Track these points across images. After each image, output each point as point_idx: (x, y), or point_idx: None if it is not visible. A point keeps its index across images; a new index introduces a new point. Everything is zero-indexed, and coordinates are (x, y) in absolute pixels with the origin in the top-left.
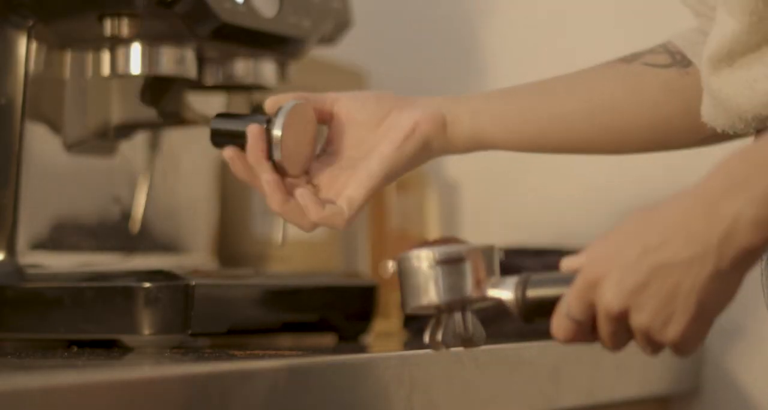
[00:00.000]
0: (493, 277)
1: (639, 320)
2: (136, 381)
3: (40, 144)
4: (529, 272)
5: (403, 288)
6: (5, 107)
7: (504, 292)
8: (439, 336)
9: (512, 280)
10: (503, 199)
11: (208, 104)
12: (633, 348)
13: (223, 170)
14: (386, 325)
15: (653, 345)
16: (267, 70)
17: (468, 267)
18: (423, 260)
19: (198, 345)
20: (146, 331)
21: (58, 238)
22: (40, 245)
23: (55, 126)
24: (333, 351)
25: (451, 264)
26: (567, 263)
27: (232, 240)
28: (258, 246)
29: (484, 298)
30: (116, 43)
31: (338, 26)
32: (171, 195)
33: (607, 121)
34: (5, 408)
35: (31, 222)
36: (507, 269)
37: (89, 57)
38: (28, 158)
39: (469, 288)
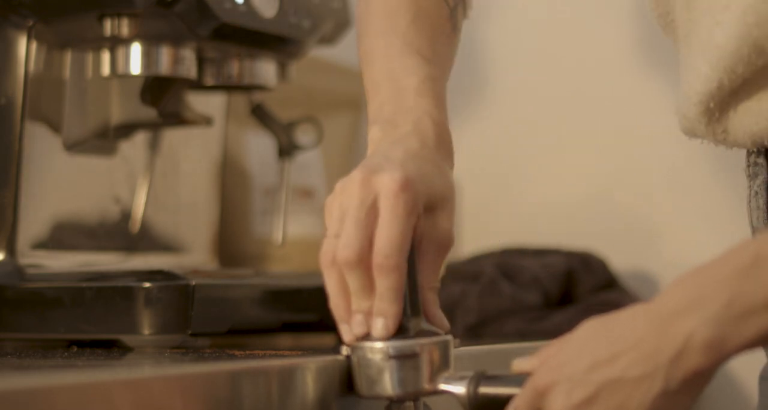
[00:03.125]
0: (447, 371)
1: None
2: (136, 381)
3: (40, 144)
4: (482, 370)
5: (356, 375)
6: (5, 107)
7: (456, 387)
8: None
9: (465, 376)
10: (503, 199)
11: (208, 104)
12: None
13: (223, 170)
14: None
15: None
16: (267, 70)
17: (422, 362)
18: (377, 353)
19: (198, 345)
20: (146, 331)
21: (58, 238)
22: (40, 245)
23: (55, 126)
24: (333, 351)
25: (404, 359)
26: (519, 365)
27: (232, 240)
28: (258, 246)
29: (436, 391)
30: (116, 43)
31: (338, 26)
32: (171, 195)
33: None
34: (5, 408)
35: (31, 222)
36: (507, 269)
37: (89, 57)
38: (28, 158)
39: (422, 382)
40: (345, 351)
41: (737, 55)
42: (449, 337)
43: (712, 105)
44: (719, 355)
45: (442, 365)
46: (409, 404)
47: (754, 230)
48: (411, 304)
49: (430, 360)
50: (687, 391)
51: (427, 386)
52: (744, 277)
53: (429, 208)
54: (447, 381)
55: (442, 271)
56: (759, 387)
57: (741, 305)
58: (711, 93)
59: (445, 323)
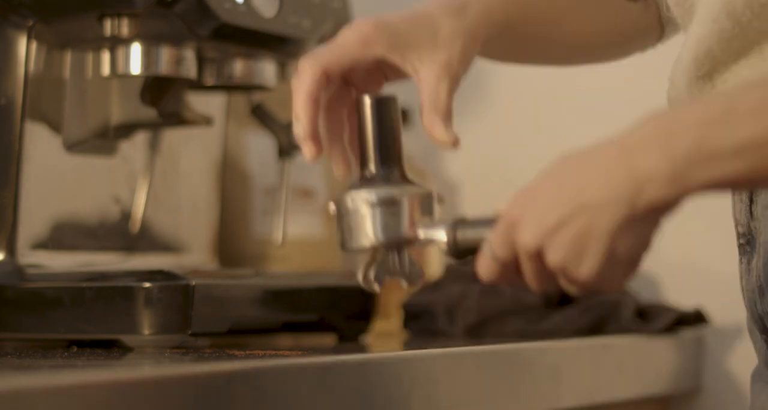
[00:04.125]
0: (427, 219)
1: (553, 258)
2: (136, 381)
3: (40, 144)
4: (461, 216)
5: (341, 228)
6: (5, 107)
7: (437, 233)
8: (372, 275)
9: (445, 222)
10: (503, 199)
11: (208, 104)
12: (633, 348)
13: (223, 170)
14: (386, 325)
15: (573, 284)
16: (267, 70)
17: (404, 209)
18: (360, 201)
19: (198, 345)
20: (146, 331)
21: (58, 238)
22: (40, 245)
23: (55, 126)
24: (333, 351)
25: (387, 206)
26: (498, 207)
27: (232, 240)
28: (258, 246)
29: (417, 239)
30: (116, 43)
31: (338, 26)
32: (171, 195)
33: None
34: (5, 408)
35: (31, 222)
36: None
37: (89, 57)
38: (28, 158)
39: (404, 229)
40: (331, 207)
41: (717, 26)
42: (432, 190)
43: (700, 72)
44: (681, 190)
45: (423, 214)
46: (393, 255)
47: (737, 222)
48: (380, 150)
49: (411, 208)
50: (650, 220)
51: (408, 234)
52: (714, 123)
53: (405, 48)
54: (427, 228)
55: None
56: (750, 388)
57: (708, 148)
58: (699, 58)
59: (447, 137)
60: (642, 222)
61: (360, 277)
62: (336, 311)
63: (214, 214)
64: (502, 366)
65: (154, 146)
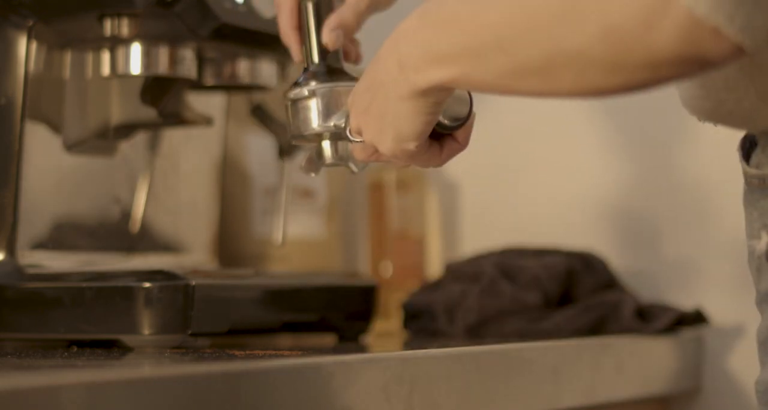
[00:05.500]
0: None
1: (366, 137)
2: (136, 381)
3: (40, 144)
4: None
5: (288, 120)
6: (5, 107)
7: (340, 120)
8: (312, 160)
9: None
10: (503, 199)
11: (208, 104)
12: (633, 348)
13: (223, 170)
14: (386, 325)
15: (389, 158)
16: (267, 70)
17: (336, 100)
18: (300, 94)
19: (198, 345)
20: (146, 331)
21: (58, 238)
22: (40, 245)
23: (55, 126)
24: (333, 351)
25: (321, 98)
26: None
27: (232, 240)
28: (258, 246)
29: (328, 126)
30: (116, 43)
31: None
32: (171, 195)
33: None
34: (5, 408)
35: (31, 222)
36: (507, 269)
37: (89, 57)
38: (28, 158)
39: (321, 121)
40: (286, 101)
41: None
42: (343, 82)
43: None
44: (427, 78)
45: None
46: (326, 143)
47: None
48: (320, 48)
49: (323, 103)
50: (419, 100)
51: (317, 127)
52: (441, 28)
53: None
54: (338, 119)
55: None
56: (757, 398)
57: (432, 50)
58: None
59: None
60: (412, 102)
61: (301, 164)
62: (336, 311)
63: (214, 214)
64: (502, 366)
65: (154, 146)
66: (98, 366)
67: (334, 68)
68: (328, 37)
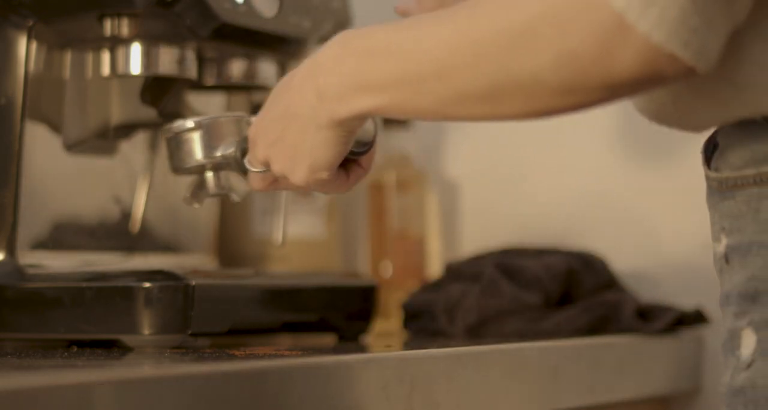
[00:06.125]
0: (227, 141)
1: (276, 168)
2: (136, 381)
3: (40, 144)
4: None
5: (169, 153)
6: (5, 107)
7: (228, 150)
8: (194, 193)
9: (235, 141)
10: (503, 199)
11: (208, 103)
12: (633, 348)
13: None
14: (386, 325)
15: (299, 188)
16: (267, 70)
17: (215, 132)
18: (181, 128)
19: (198, 345)
20: (146, 331)
21: (58, 238)
22: (40, 245)
23: (55, 126)
24: (333, 351)
25: (202, 130)
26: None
27: (232, 240)
28: (258, 246)
29: (214, 157)
30: (116, 43)
31: (338, 26)
32: (171, 195)
33: None
34: (5, 408)
35: (31, 222)
36: (507, 269)
37: (89, 57)
38: (28, 158)
39: (215, 151)
40: (164, 134)
41: None
42: (243, 114)
43: None
44: (349, 110)
45: (235, 136)
46: (210, 174)
47: None
48: None
49: (222, 131)
50: (335, 129)
51: (201, 158)
52: (371, 56)
53: None
54: (226, 148)
55: None
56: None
57: (361, 80)
58: None
59: None
60: (328, 133)
61: (185, 196)
62: (336, 311)
63: (214, 214)
64: (502, 366)
65: (154, 146)
66: (98, 366)
67: None
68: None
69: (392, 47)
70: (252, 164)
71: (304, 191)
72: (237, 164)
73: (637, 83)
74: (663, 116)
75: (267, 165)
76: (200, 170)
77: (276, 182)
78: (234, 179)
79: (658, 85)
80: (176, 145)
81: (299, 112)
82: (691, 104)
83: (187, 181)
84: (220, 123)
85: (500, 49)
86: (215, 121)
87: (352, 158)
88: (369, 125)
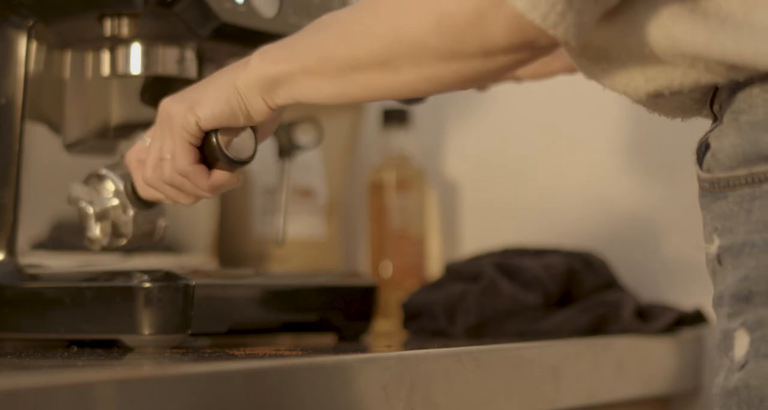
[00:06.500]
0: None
1: (155, 147)
2: (136, 381)
3: (40, 144)
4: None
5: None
6: (5, 106)
7: (117, 184)
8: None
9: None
10: (503, 199)
11: None
12: (633, 348)
13: None
14: (386, 325)
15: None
16: None
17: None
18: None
19: (198, 345)
20: (146, 331)
21: (58, 238)
22: (40, 245)
23: (55, 126)
24: (333, 351)
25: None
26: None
27: (232, 240)
28: (258, 246)
29: (104, 210)
30: (116, 43)
31: None
32: None
33: None
34: (5, 408)
35: (31, 222)
36: (507, 269)
37: (89, 57)
38: (28, 158)
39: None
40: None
41: None
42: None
43: None
44: (253, 73)
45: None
46: (106, 222)
47: None
48: None
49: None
50: (235, 88)
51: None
52: (269, 51)
53: None
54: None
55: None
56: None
57: (264, 58)
58: None
59: None
60: (230, 90)
61: (85, 240)
62: (336, 311)
63: (214, 214)
64: (502, 366)
65: None
66: (98, 366)
67: None
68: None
69: (294, 38)
70: (138, 184)
71: (189, 202)
72: (129, 196)
73: (512, 51)
74: (589, 70)
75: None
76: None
77: (162, 186)
78: (123, 224)
79: (539, 54)
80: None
81: (175, 113)
82: (615, 58)
83: None
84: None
85: (389, 11)
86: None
87: (228, 168)
88: (250, 142)
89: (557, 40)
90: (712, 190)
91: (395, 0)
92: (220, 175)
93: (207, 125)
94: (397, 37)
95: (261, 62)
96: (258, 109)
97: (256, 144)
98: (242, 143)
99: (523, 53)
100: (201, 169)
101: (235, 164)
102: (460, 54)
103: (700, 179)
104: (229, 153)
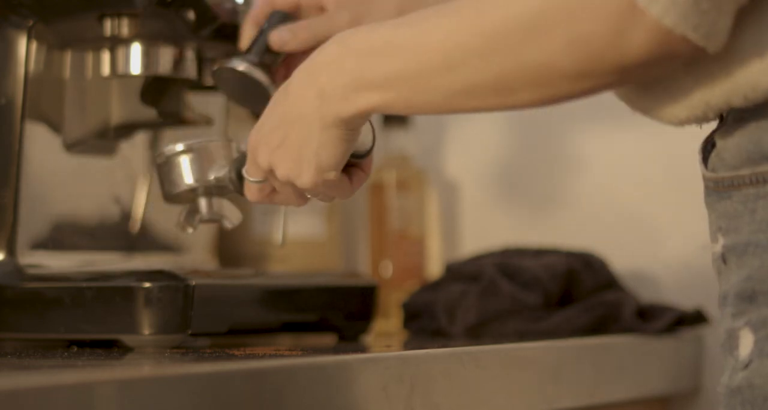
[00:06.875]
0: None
1: (281, 173)
2: (136, 381)
3: (40, 144)
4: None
5: (159, 179)
6: (5, 106)
7: (221, 173)
8: (186, 218)
9: (230, 164)
10: (503, 199)
11: (208, 104)
12: (633, 348)
13: None
14: (386, 325)
15: (300, 196)
16: None
17: (204, 156)
18: (171, 152)
19: (198, 345)
20: (146, 331)
21: (58, 238)
22: (40, 245)
23: (55, 126)
24: (333, 351)
25: (191, 154)
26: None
27: (232, 240)
28: (258, 246)
29: (206, 180)
30: (116, 43)
31: None
32: None
33: None
34: (5, 408)
35: (31, 222)
36: (507, 269)
37: (89, 57)
38: (28, 158)
39: (206, 174)
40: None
41: None
42: (231, 140)
43: None
44: (354, 108)
45: (225, 160)
46: (203, 200)
47: None
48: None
49: (211, 155)
50: (340, 127)
51: (193, 182)
52: (371, 55)
53: None
54: (216, 172)
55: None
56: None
57: (365, 77)
58: None
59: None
60: (333, 131)
61: (178, 221)
62: (336, 311)
63: None
64: (502, 366)
65: (154, 146)
66: (98, 366)
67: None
68: (274, 35)
69: (394, 44)
70: (251, 174)
71: (300, 204)
72: (232, 184)
73: (649, 65)
74: (638, 98)
75: (267, 174)
76: (192, 195)
77: (273, 193)
78: (227, 206)
79: (670, 66)
80: (167, 170)
81: (302, 113)
82: (676, 80)
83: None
84: (211, 147)
85: (510, 39)
86: (206, 145)
87: (354, 162)
88: (367, 129)
89: (702, 49)
90: (716, 189)
91: (515, 22)
92: (358, 178)
93: (339, 170)
94: (519, 63)
95: (356, 92)
96: (362, 122)
97: (374, 129)
98: (361, 133)
99: (659, 67)
100: (344, 180)
101: (363, 156)
102: (592, 74)
103: (704, 179)
104: (355, 150)
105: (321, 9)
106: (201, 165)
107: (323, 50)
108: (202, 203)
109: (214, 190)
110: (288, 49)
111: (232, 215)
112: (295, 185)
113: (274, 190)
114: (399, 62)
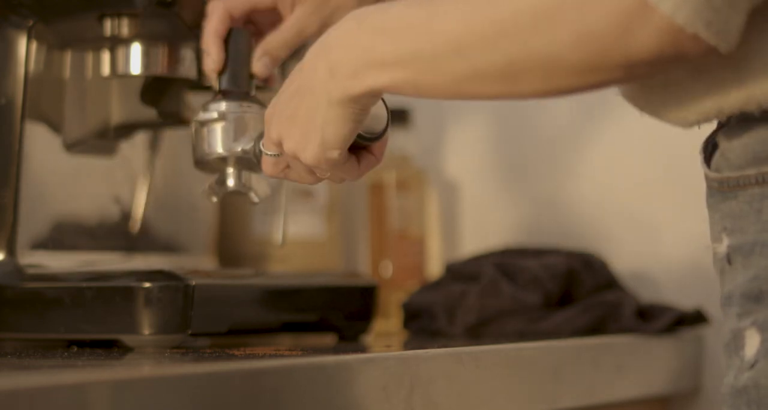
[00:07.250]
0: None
1: (288, 146)
2: (136, 381)
3: (40, 144)
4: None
5: (193, 144)
6: (5, 106)
7: (249, 145)
8: (211, 187)
9: (253, 135)
10: (503, 199)
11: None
12: (633, 348)
13: None
14: (386, 325)
15: (311, 173)
16: None
17: (234, 125)
18: (204, 118)
19: (198, 345)
20: (146, 331)
21: (58, 238)
22: (40, 245)
23: (55, 126)
24: (333, 351)
25: (220, 122)
26: None
27: (232, 240)
28: (258, 246)
29: (235, 151)
30: (116, 43)
31: None
32: (171, 195)
33: None
34: (5, 408)
35: (31, 222)
36: (507, 269)
37: (89, 57)
38: (28, 158)
39: (228, 145)
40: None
41: None
42: (253, 109)
43: None
44: (362, 86)
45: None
46: (231, 170)
47: None
48: (230, 74)
49: (243, 124)
50: (346, 107)
51: (223, 151)
52: (385, 33)
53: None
54: (242, 143)
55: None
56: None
57: (374, 56)
58: None
59: (273, 79)
60: (339, 108)
61: (204, 189)
62: (336, 311)
63: (213, 214)
64: (502, 366)
65: (154, 146)
66: (98, 366)
67: (246, 94)
68: (257, 67)
69: (407, 24)
70: (266, 147)
71: (311, 181)
72: (255, 157)
73: (658, 62)
74: (647, 101)
75: (280, 147)
76: (222, 164)
77: (287, 169)
78: (255, 179)
79: (678, 65)
80: (200, 135)
81: (312, 87)
82: (686, 87)
83: (187, 182)
84: (248, 118)
85: (520, 28)
86: (242, 115)
87: (364, 144)
88: (381, 112)
89: (713, 48)
90: (721, 189)
91: (526, 13)
92: (367, 162)
93: (343, 149)
94: (527, 52)
95: (365, 69)
96: (370, 101)
97: (388, 111)
98: (373, 116)
99: (668, 64)
100: (351, 161)
101: (374, 139)
102: (599, 69)
103: (708, 179)
104: (366, 132)
105: (274, 10)
106: (233, 135)
107: (339, 26)
108: (231, 173)
109: (244, 162)
110: (271, 72)
111: (259, 188)
112: (300, 159)
113: (288, 165)
114: (411, 42)
